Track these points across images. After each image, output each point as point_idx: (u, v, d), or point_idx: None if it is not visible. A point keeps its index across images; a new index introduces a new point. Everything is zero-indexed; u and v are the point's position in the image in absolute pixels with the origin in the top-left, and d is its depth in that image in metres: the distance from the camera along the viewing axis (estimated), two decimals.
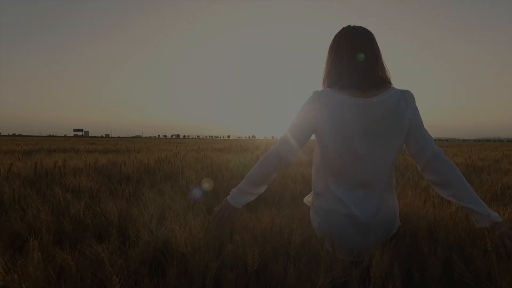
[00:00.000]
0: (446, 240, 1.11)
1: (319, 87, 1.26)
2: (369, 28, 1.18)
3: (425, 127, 1.13)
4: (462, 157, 5.71)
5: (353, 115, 1.08)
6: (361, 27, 1.18)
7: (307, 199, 1.45)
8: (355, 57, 1.12)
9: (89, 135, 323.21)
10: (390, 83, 1.15)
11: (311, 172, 1.30)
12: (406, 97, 1.11)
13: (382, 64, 1.16)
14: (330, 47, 1.21)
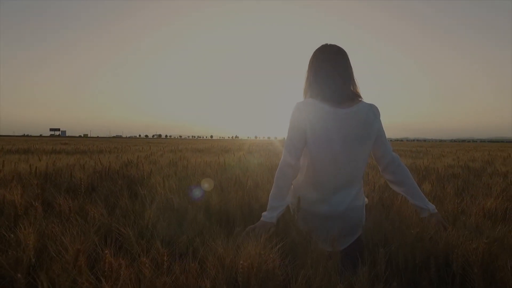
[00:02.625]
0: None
1: (301, 90, 1.45)
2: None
3: (386, 138, 1.36)
4: (451, 158, 5.55)
5: (333, 123, 1.26)
6: (335, 45, 1.37)
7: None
8: (333, 73, 1.31)
9: (67, 135, 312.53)
10: (360, 97, 1.35)
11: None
12: (374, 111, 1.32)
13: (354, 80, 1.36)
14: (310, 63, 1.39)
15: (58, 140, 20.68)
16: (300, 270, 0.77)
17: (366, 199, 1.46)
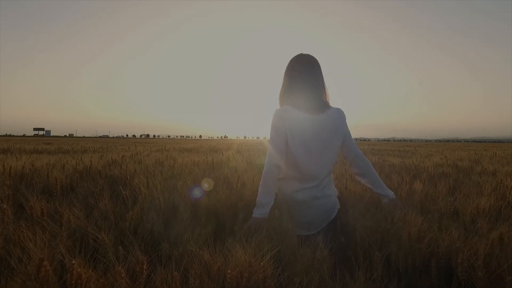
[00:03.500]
0: None
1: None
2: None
3: (351, 137, 1.58)
4: (439, 157, 5.58)
5: (307, 127, 1.45)
6: (309, 56, 1.55)
7: None
8: (305, 84, 1.49)
9: (51, 134, 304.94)
10: (328, 104, 1.55)
11: None
12: (340, 114, 1.54)
13: (324, 88, 1.54)
14: (285, 72, 1.56)
15: (41, 140, 20.13)
16: (294, 277, 0.69)
17: (336, 190, 1.67)
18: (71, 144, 10.28)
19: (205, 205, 1.51)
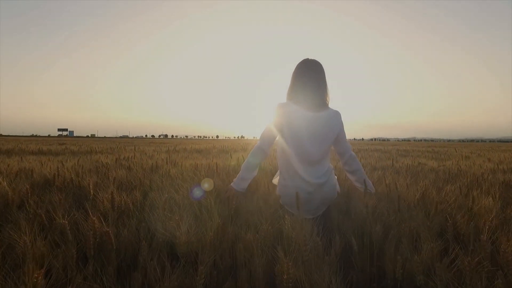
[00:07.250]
0: None
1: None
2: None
3: (346, 138, 1.73)
4: (481, 160, 4.85)
5: (303, 122, 1.60)
6: (314, 60, 1.70)
7: (275, 180, 1.87)
8: (307, 85, 1.64)
9: (74, 135, 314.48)
10: (327, 105, 1.69)
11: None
12: (337, 115, 1.68)
13: (326, 90, 1.69)
14: (293, 73, 1.72)
15: (58, 140, 20.31)
16: None
17: (335, 177, 1.79)
18: (80, 145, 10.05)
19: (186, 240, 0.98)
